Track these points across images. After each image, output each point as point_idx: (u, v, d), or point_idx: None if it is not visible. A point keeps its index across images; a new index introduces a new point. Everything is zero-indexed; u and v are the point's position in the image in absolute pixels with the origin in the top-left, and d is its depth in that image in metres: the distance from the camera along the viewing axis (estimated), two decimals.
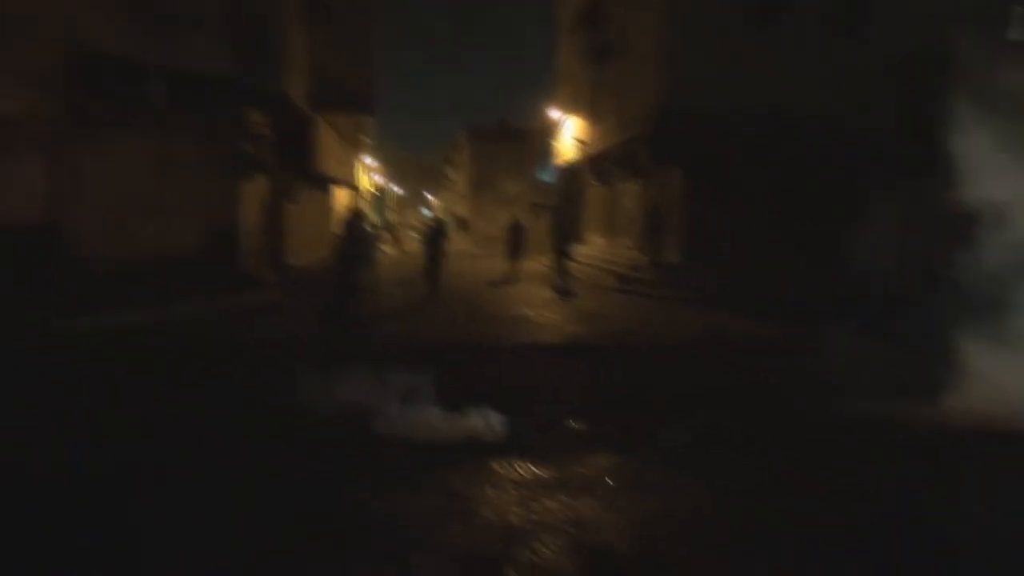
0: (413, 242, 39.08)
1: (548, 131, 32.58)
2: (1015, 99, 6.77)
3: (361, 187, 43.19)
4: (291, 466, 5.56)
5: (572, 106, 28.23)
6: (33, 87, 12.69)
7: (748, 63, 17.54)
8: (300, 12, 17.58)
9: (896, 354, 10.13)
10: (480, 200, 48.54)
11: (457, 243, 35.67)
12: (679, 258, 18.70)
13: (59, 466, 5.36)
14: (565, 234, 19.19)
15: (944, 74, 7.99)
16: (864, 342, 11.27)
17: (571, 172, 30.13)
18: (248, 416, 6.75)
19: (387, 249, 17.93)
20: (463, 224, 47.25)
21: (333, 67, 20.77)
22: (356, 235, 12.15)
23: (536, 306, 15.40)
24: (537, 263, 24.10)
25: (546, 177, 35.75)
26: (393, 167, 73.01)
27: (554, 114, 29.99)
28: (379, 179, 56.96)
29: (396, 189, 75.84)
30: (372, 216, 46.98)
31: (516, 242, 21.63)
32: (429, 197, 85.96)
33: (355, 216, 13.18)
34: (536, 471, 5.49)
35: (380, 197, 62.88)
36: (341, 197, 33.30)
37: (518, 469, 5.52)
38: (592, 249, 26.74)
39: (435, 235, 17.70)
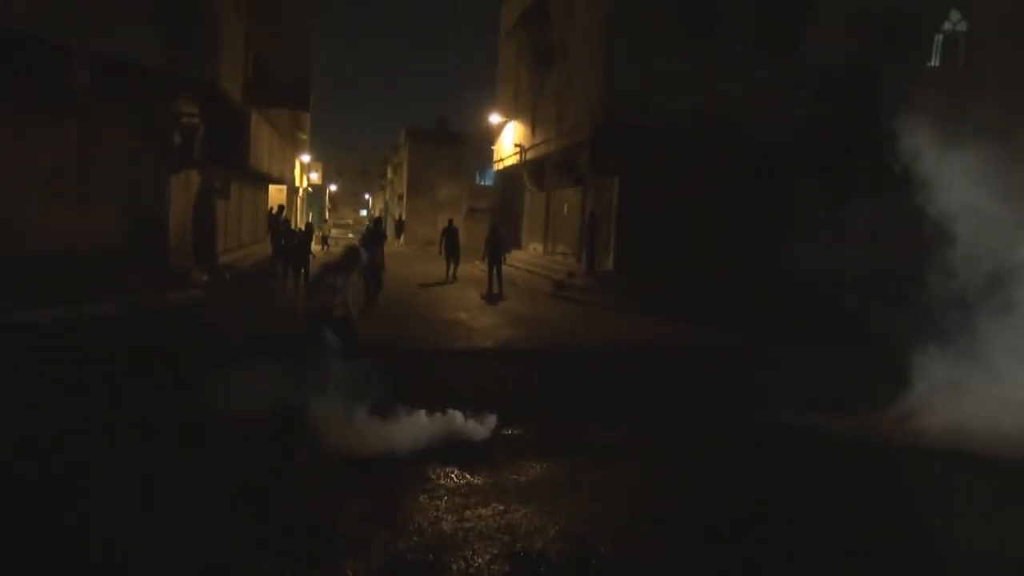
0: (346, 242, 38.60)
1: (488, 134, 32.58)
2: (936, 118, 7.07)
3: (298, 185, 42.39)
4: (213, 472, 5.35)
5: (512, 110, 28.28)
6: None
7: (685, 75, 17.88)
8: (235, 3, 17.10)
9: (826, 362, 10.46)
10: (417, 202, 48.14)
11: (393, 245, 35.32)
12: (615, 265, 18.91)
13: None
14: (501, 240, 19.29)
15: (870, 91, 8.30)
16: (795, 349, 11.62)
17: (510, 177, 30.19)
18: (157, 419, 6.48)
19: (315, 247, 17.45)
20: (400, 226, 46.75)
21: (269, 61, 20.30)
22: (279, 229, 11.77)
23: (471, 310, 15.34)
24: (473, 267, 24.06)
25: (484, 181, 35.77)
26: (332, 166, 72.04)
27: (494, 118, 30.00)
28: (316, 177, 56.07)
29: (333, 188, 74.82)
30: (306, 215, 46.24)
31: (451, 246, 21.78)
32: (367, 197, 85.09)
33: (278, 211, 12.83)
34: (469, 477, 5.42)
35: (316, 196, 61.95)
36: (277, 195, 32.62)
37: (451, 475, 5.44)
38: (528, 255, 26.83)
39: (374, 237, 16.07)
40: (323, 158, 61.53)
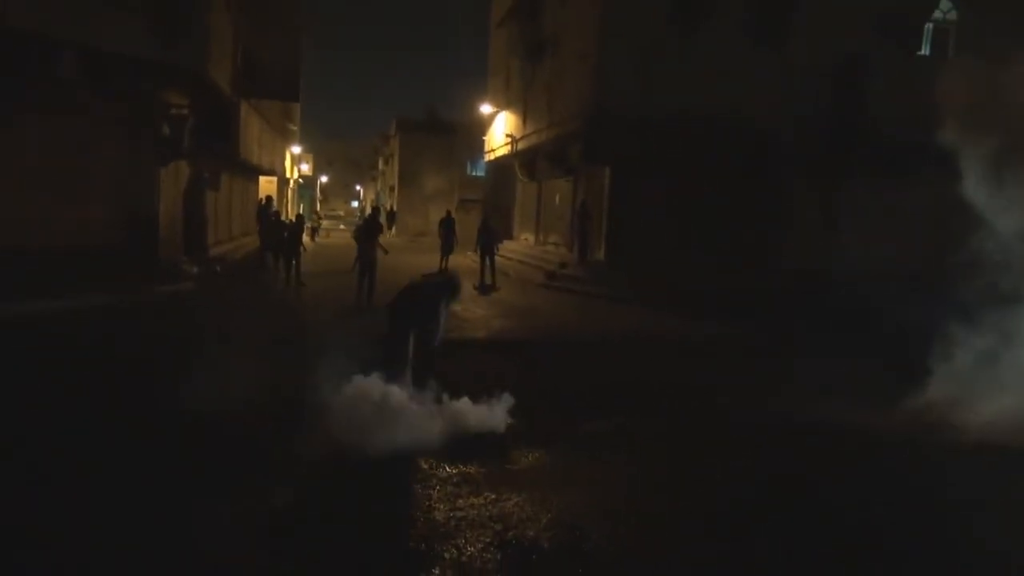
0: (337, 233, 38.51)
1: (479, 125, 32.50)
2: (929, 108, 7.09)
3: (289, 176, 42.23)
4: (202, 465, 5.35)
5: (503, 100, 28.21)
6: None
7: (677, 68, 17.85)
8: None
9: (815, 357, 10.52)
10: (408, 193, 48.00)
11: (385, 237, 35.24)
12: (607, 256, 18.93)
13: None
14: (493, 230, 19.28)
15: (863, 82, 8.32)
16: (785, 342, 11.68)
17: (501, 167, 30.15)
18: (141, 413, 6.47)
19: (305, 239, 17.17)
20: (391, 217, 46.62)
21: (258, 52, 20.19)
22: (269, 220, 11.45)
23: (463, 300, 15.31)
24: (465, 258, 24.05)
25: (476, 172, 35.71)
26: (322, 157, 71.73)
27: (485, 108, 29.92)
28: (306, 168, 55.86)
29: (324, 179, 74.53)
30: (297, 207, 46.04)
31: (447, 236, 21.73)
32: (358, 188, 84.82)
33: (266, 202, 12.67)
34: (462, 467, 5.44)
35: (307, 187, 61.71)
36: (267, 186, 32.51)
37: (444, 465, 5.46)
38: (520, 245, 26.82)
39: (369, 229, 14.86)
40: (314, 149, 61.28)
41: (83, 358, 8.43)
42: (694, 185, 18.09)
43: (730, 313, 13.76)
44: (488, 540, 4.28)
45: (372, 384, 6.03)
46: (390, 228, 44.80)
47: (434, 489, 5.03)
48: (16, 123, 12.73)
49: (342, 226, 49.58)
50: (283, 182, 38.65)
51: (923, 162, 7.48)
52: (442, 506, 4.75)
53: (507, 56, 27.25)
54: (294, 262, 16.57)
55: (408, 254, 28.55)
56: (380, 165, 64.97)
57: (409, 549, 4.17)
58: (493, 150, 30.18)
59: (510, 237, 28.32)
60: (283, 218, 21.73)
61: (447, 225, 21.86)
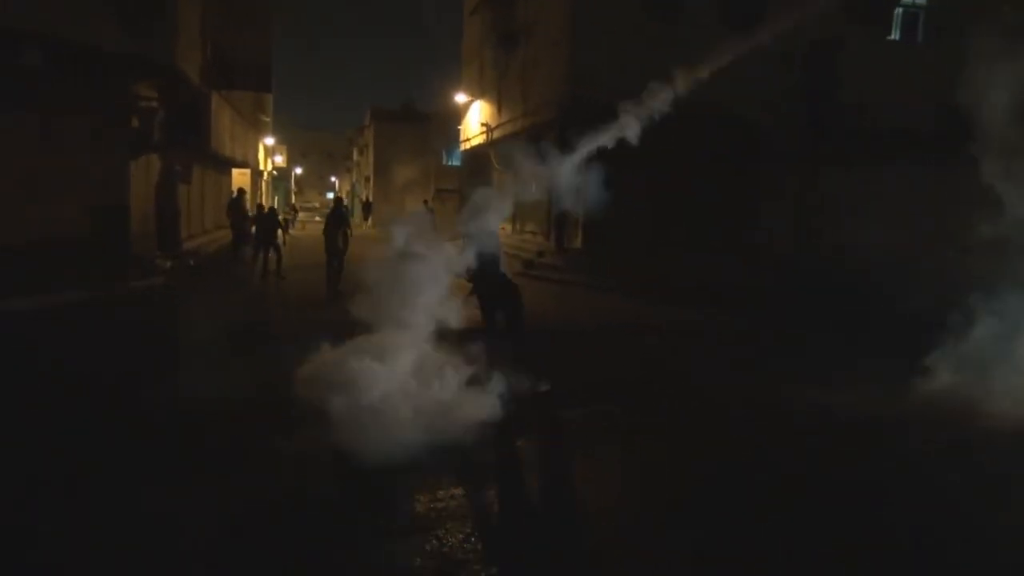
0: (312, 225, 38.09)
1: (454, 114, 32.33)
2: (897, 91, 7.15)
3: (262, 168, 41.78)
4: (183, 461, 5.31)
5: (478, 89, 28.08)
6: None
7: (650, 55, 17.84)
8: None
9: (792, 340, 10.65)
10: (384, 183, 47.70)
11: (361, 228, 35.10)
12: (584, 244, 18.97)
13: None
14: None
15: (833, 64, 8.37)
16: (762, 328, 11.80)
17: (477, 156, 30.04)
18: (134, 412, 6.40)
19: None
20: (367, 208, 46.29)
21: (229, 42, 19.88)
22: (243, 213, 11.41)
23: None
24: None
25: (452, 161, 35.55)
26: (296, 148, 71.02)
27: (460, 97, 29.77)
28: (280, 160, 55.32)
29: (299, 171, 73.86)
30: (271, 199, 45.61)
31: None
32: (333, 180, 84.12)
33: (238, 195, 12.54)
34: (445, 457, 5.43)
35: (281, 179, 61.14)
36: (241, 179, 32.12)
37: (424, 455, 5.44)
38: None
39: (336, 220, 14.72)
40: (288, 140, 60.67)
41: (55, 357, 8.30)
42: (671, 172, 18.14)
43: (708, 300, 13.87)
44: (468, 531, 4.28)
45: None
46: (366, 219, 44.52)
47: (412, 480, 5.01)
48: None
49: (317, 217, 49.13)
50: (257, 174, 38.21)
51: (897, 147, 7.57)
52: (421, 497, 4.73)
53: (481, 44, 27.11)
54: (272, 255, 16.36)
55: (384, 245, 28.43)
56: (355, 156, 64.47)
57: (391, 540, 4.16)
58: (469, 139, 30.05)
59: None
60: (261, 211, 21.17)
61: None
